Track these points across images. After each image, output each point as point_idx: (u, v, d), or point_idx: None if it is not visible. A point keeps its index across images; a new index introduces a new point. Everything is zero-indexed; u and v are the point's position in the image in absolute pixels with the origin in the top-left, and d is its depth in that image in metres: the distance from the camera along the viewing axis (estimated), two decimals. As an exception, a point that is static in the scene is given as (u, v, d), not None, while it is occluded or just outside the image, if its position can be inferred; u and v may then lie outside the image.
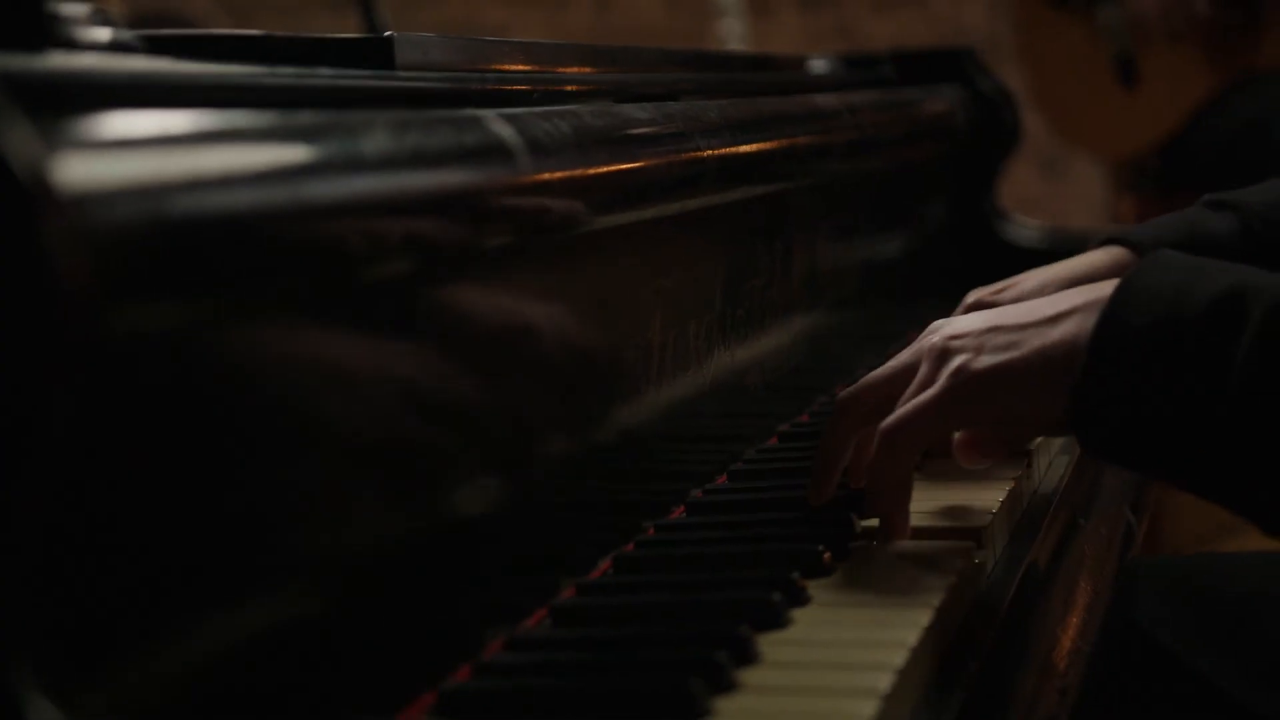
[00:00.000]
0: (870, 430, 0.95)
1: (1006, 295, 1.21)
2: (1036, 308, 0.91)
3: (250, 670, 0.63)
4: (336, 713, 0.69)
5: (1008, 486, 1.05)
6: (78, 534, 0.54)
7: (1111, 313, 0.86)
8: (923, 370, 0.92)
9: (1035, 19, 3.35)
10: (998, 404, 0.91)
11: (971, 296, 1.23)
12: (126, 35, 0.71)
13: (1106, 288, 0.88)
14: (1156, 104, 3.18)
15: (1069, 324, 0.88)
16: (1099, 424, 0.86)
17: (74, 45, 0.64)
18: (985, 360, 0.89)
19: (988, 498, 1.02)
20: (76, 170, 0.51)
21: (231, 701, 0.62)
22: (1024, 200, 2.91)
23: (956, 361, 0.90)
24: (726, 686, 0.73)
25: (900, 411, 0.91)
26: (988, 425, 0.98)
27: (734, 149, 1.09)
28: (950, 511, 1.01)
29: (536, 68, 1.00)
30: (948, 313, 1.22)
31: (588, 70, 1.08)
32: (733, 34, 3.78)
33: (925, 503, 1.01)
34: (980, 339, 0.90)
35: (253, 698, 0.63)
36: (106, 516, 0.56)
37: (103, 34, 0.68)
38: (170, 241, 0.55)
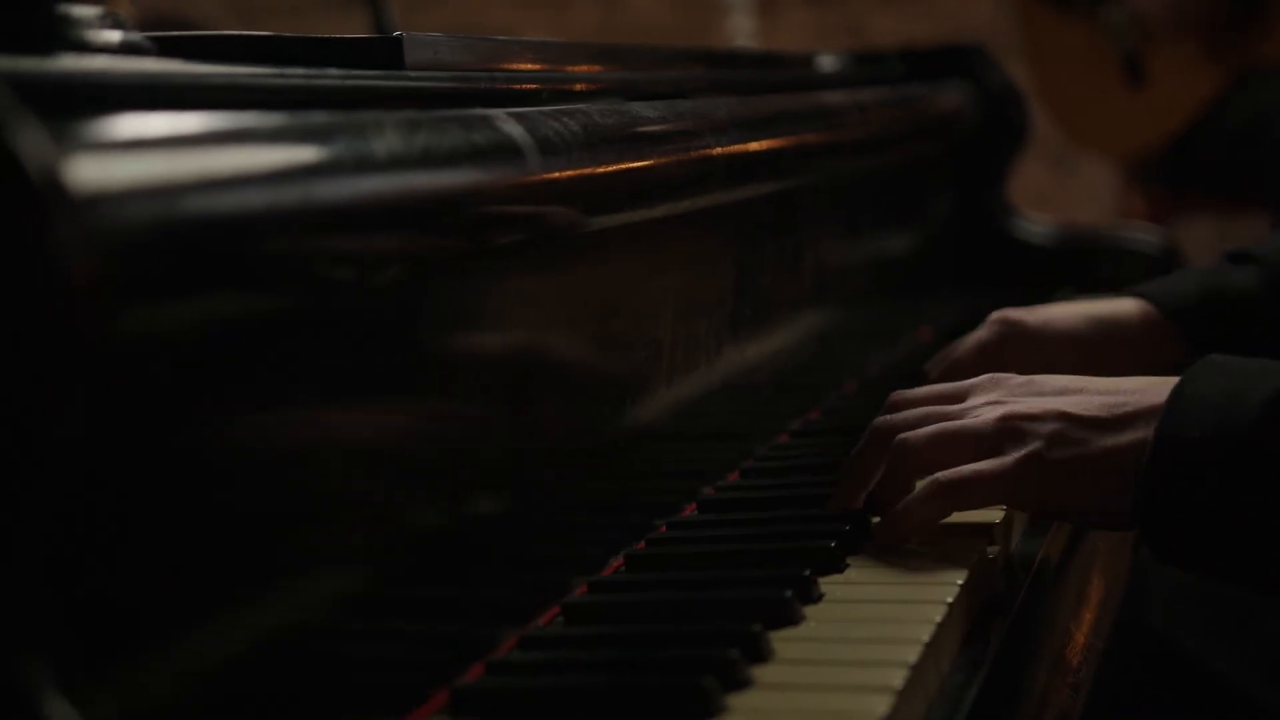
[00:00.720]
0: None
1: (1034, 319, 1.22)
2: (1104, 401, 0.91)
3: (263, 668, 0.63)
4: (350, 711, 0.69)
5: (1020, 482, 1.05)
6: (91, 533, 0.54)
7: (1167, 427, 0.87)
8: (988, 431, 0.92)
9: (1038, 19, 3.35)
10: (1064, 496, 0.91)
11: (997, 315, 1.23)
12: (137, 37, 0.71)
13: (1162, 391, 0.89)
14: (1162, 102, 3.18)
15: (1134, 431, 0.89)
16: (1169, 538, 0.88)
17: (85, 47, 0.64)
18: (1059, 453, 0.90)
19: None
20: (89, 171, 0.51)
21: (245, 699, 0.62)
22: (1033, 196, 2.90)
23: (1032, 447, 0.90)
24: (739, 684, 0.73)
25: (964, 471, 0.91)
26: (1042, 512, 0.99)
27: (743, 147, 1.09)
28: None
29: (545, 66, 1.00)
30: (956, 310, 1.23)
31: (597, 69, 1.08)
32: (740, 31, 3.78)
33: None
34: (1055, 427, 0.91)
35: (266, 696, 0.63)
36: (119, 516, 0.56)
37: (113, 36, 0.68)
38: (182, 242, 0.55)
